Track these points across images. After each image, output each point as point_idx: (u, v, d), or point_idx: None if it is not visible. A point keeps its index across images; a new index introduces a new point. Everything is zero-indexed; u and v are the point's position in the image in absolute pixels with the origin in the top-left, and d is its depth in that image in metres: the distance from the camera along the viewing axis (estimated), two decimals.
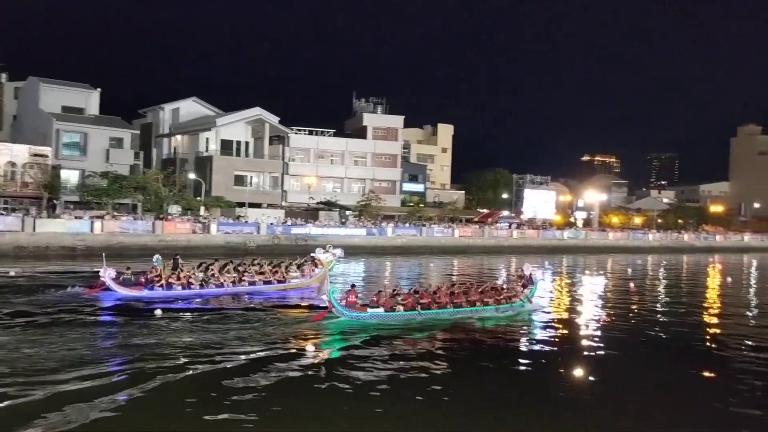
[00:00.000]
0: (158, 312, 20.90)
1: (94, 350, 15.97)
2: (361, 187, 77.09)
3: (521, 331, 20.91)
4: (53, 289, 25.02)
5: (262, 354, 16.23)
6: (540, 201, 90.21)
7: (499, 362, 16.77)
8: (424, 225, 65.98)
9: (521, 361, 17.13)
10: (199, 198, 60.06)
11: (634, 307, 27.64)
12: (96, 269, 26.15)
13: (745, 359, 17.92)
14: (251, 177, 69.74)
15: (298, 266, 29.83)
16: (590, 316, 24.84)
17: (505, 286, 24.75)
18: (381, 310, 20.73)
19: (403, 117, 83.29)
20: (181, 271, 26.17)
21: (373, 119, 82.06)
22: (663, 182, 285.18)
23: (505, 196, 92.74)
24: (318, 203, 69.86)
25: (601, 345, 19.54)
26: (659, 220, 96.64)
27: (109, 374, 13.89)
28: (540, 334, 20.65)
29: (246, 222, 56.22)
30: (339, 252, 27.99)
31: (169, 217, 53.31)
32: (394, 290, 22.67)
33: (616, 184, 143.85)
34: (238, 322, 20.14)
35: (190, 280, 25.44)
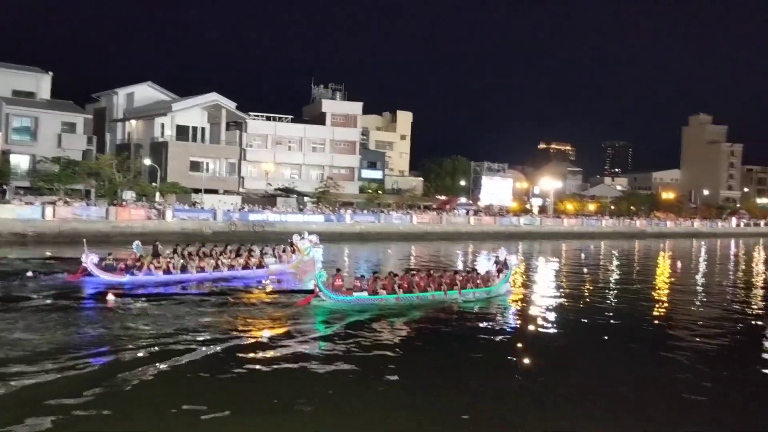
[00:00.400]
0: (110, 297, 20.57)
1: (76, 336, 15.88)
2: (319, 174, 76.89)
3: (486, 316, 21.13)
4: (35, 275, 24.66)
5: (247, 339, 16.31)
6: (497, 189, 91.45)
7: (460, 346, 17.03)
8: (382, 212, 66.19)
9: (478, 345, 17.44)
10: (154, 184, 59.16)
11: (586, 292, 28.29)
12: (77, 256, 26.04)
13: (696, 342, 18.55)
14: (207, 163, 68.94)
15: (276, 252, 30.04)
16: (545, 302, 25.33)
17: (481, 272, 25.17)
18: (365, 293, 21.12)
19: (362, 104, 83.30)
20: (161, 257, 26.18)
21: (332, 105, 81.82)
22: (617, 170, 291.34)
23: (462, 183, 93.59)
24: (276, 190, 69.48)
25: (559, 330, 20.01)
26: (612, 207, 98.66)
27: (89, 361, 13.75)
28: (505, 318, 21.03)
29: (202, 208, 55.63)
30: (314, 238, 29.63)
31: (124, 203, 52.46)
32: (374, 274, 23.06)
33: (571, 172, 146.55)
34: (222, 306, 20.31)
35: (170, 265, 25.50)
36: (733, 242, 79.92)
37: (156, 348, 14.96)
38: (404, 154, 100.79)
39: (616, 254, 53.77)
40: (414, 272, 23.79)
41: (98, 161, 57.34)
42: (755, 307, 26.27)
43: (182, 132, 68.13)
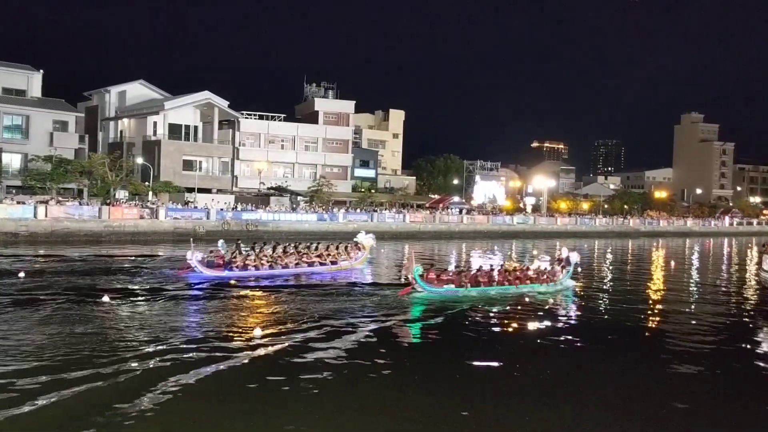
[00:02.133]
0: (105, 298, 20.68)
1: (189, 322, 18.37)
2: (312, 173, 76.81)
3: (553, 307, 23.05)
4: (147, 270, 28.82)
5: (353, 324, 18.50)
6: (490, 190, 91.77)
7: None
8: (375, 211, 66.14)
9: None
10: (146, 183, 58.95)
11: (581, 291, 28.28)
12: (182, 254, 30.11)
13: (690, 343, 18.58)
14: (200, 162, 68.76)
15: (345, 249, 32.92)
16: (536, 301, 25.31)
17: (548, 268, 27.94)
18: (452, 285, 24.08)
19: (355, 102, 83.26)
20: (244, 254, 28.79)
21: (324, 104, 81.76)
22: (609, 168, 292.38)
23: (455, 182, 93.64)
24: (269, 188, 69.34)
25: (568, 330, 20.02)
26: (606, 206, 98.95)
27: (200, 343, 15.55)
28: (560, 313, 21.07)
29: (195, 207, 55.49)
30: (372, 237, 34.15)
31: (116, 202, 52.26)
32: (457, 268, 26.40)
33: (564, 170, 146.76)
34: (321, 296, 23.16)
35: (262, 261, 28.46)
36: (726, 241, 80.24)
37: (275, 330, 17.28)
38: (397, 152, 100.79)
39: (610, 253, 53.89)
40: (492, 267, 26.53)
41: (90, 160, 57.04)
42: (747, 307, 26.33)
43: (175, 130, 67.88)
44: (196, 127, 70.16)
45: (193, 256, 26.79)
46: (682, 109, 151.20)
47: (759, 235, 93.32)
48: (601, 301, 25.46)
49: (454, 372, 14.30)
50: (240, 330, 17.26)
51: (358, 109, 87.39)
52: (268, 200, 64.62)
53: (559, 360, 16.04)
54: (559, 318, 21.31)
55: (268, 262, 28.68)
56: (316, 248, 31.75)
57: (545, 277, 26.51)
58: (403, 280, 26.18)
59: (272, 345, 15.73)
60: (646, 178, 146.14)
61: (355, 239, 34.03)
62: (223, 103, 70.49)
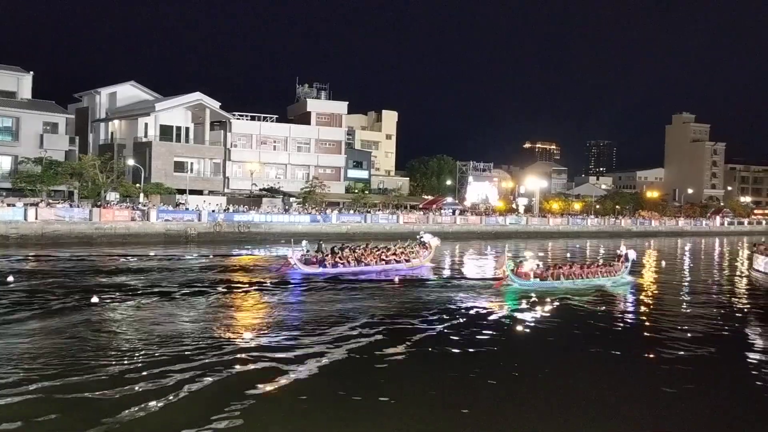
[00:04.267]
0: (95, 299, 20.95)
1: (299, 313, 20.87)
2: (305, 174, 76.56)
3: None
4: (259, 268, 32.53)
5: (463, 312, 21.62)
6: (483, 191, 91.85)
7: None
8: (368, 212, 66.00)
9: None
10: (138, 185, 58.64)
11: (574, 292, 28.25)
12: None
13: (681, 343, 18.56)
14: (192, 163, 68.46)
15: (416, 248, 35.81)
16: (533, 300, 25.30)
17: (612, 264, 31.33)
18: (538, 279, 27.23)
19: (347, 103, 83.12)
20: (324, 253, 31.71)
21: (317, 105, 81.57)
22: (601, 169, 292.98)
23: (449, 182, 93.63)
24: (261, 190, 69.06)
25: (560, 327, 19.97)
26: (597, 206, 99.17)
27: (316, 333, 17.42)
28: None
29: (187, 209, 55.22)
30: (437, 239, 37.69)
31: (107, 204, 51.94)
32: (545, 265, 29.66)
33: (556, 171, 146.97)
34: (422, 289, 26.56)
35: (349, 259, 31.55)
36: (717, 241, 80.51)
37: (376, 321, 19.51)
38: (390, 153, 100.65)
39: (602, 253, 53.91)
40: (570, 263, 30.52)
41: (81, 162, 56.74)
42: (739, 306, 26.36)
43: (166, 132, 67.56)
44: (187, 129, 69.84)
45: (294, 254, 30.46)
46: (674, 110, 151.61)
47: (750, 234, 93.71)
48: (593, 300, 25.42)
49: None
50: (359, 316, 20.03)
51: (351, 110, 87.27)
52: (261, 201, 64.37)
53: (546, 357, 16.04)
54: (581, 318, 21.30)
55: (355, 260, 31.77)
56: (388, 248, 34.51)
57: (610, 271, 30.16)
58: (496, 274, 29.27)
59: (398, 326, 18.81)
60: (638, 178, 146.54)
61: (421, 239, 36.94)
62: (215, 104, 70.22)
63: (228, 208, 58.28)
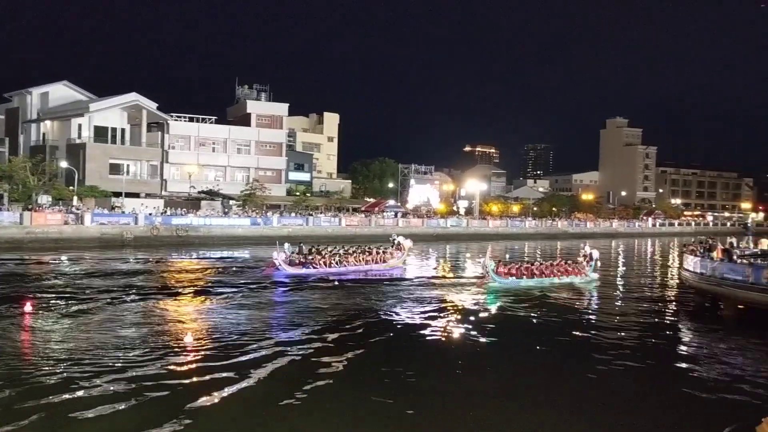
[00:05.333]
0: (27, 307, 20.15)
1: (281, 312, 21.97)
2: (245, 176, 75.59)
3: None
4: (241, 269, 33.99)
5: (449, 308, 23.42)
6: (425, 193, 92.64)
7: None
8: (310, 214, 65.67)
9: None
10: (71, 187, 56.95)
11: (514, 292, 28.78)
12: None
13: (614, 340, 19.09)
14: (128, 165, 66.85)
15: (385, 250, 37.22)
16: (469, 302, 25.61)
17: (578, 262, 32.89)
18: (515, 278, 29.32)
19: (288, 105, 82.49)
20: (305, 254, 33.15)
21: (257, 106, 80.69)
22: (539, 172, 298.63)
23: (391, 185, 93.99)
24: (199, 192, 67.86)
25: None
26: (535, 208, 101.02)
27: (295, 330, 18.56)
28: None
29: (123, 212, 53.88)
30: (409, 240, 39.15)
31: (39, 208, 50.22)
32: (520, 264, 31.32)
33: (496, 174, 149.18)
34: (405, 288, 28.28)
35: (332, 261, 33.01)
36: (650, 242, 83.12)
37: (368, 319, 20.77)
38: (332, 156, 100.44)
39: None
40: (541, 263, 32.05)
41: (11, 164, 54.93)
42: (670, 305, 27.31)
43: (101, 133, 65.84)
44: (123, 130, 68.24)
45: (279, 256, 31.43)
46: (608, 114, 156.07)
47: (680, 235, 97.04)
48: (529, 301, 25.92)
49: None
50: (351, 315, 21.07)
51: (292, 112, 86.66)
52: (199, 204, 63.30)
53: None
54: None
55: (337, 261, 33.30)
56: (363, 250, 35.85)
57: (577, 270, 31.91)
58: (482, 273, 30.91)
59: (396, 322, 20.53)
60: (574, 181, 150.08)
61: (396, 241, 38.51)
62: (152, 105, 68.74)
63: (166, 211, 57.13)
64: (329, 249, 34.72)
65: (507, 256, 42.68)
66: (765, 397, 13.38)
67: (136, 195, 62.60)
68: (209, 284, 27.74)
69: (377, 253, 35.99)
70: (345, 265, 33.50)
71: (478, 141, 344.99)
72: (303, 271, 31.60)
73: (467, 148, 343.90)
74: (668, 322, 22.80)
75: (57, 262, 35.76)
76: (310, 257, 32.80)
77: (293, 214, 64.76)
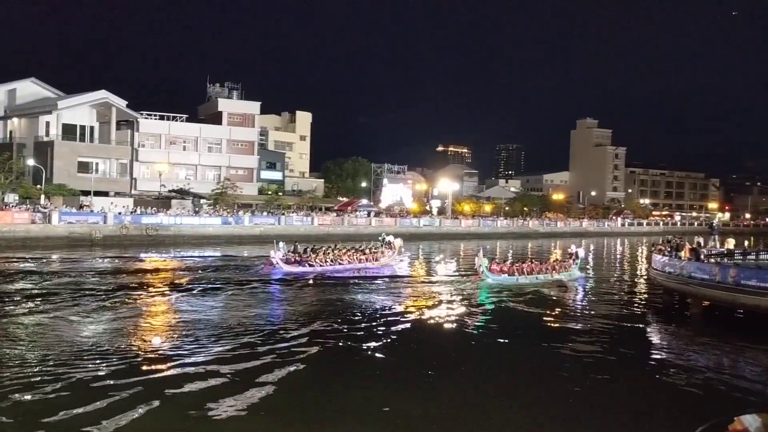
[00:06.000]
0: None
1: (277, 309, 22.91)
2: (216, 175, 75.03)
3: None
4: (241, 267, 35.08)
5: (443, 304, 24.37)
6: (398, 193, 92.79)
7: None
8: (282, 214, 65.36)
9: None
10: (38, 186, 55.96)
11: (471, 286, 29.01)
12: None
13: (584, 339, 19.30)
14: (97, 164, 65.89)
15: (377, 249, 38.32)
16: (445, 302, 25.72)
17: (564, 261, 34.43)
18: (506, 275, 30.47)
19: (260, 103, 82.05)
20: (300, 253, 34.11)
21: (229, 105, 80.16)
22: (510, 172, 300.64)
23: (364, 184, 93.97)
24: (170, 191, 67.18)
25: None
26: (507, 208, 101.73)
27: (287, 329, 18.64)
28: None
29: (92, 211, 53.10)
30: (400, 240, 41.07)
31: (5, 206, 49.31)
32: (511, 262, 32.46)
33: (468, 174, 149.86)
34: (400, 286, 29.41)
35: (327, 259, 34.02)
36: (619, 241, 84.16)
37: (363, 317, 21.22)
38: (304, 155, 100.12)
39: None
40: (531, 260, 33.37)
41: None
42: (640, 303, 27.72)
43: (69, 131, 64.82)
44: (92, 128, 67.24)
45: (276, 255, 32.60)
46: (578, 115, 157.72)
47: (649, 235, 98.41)
48: (500, 300, 26.13)
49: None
50: (348, 314, 21.44)
51: (264, 111, 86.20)
52: (170, 204, 62.64)
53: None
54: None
55: (332, 260, 34.22)
56: (356, 249, 37.05)
57: (564, 267, 33.31)
58: (477, 270, 31.44)
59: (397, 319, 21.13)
60: (545, 181, 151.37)
61: (387, 240, 39.78)
62: (122, 103, 67.85)
63: (135, 210, 56.46)
64: (323, 248, 35.68)
65: (509, 254, 43.76)
66: (733, 396, 13.65)
67: (106, 194, 61.76)
68: (213, 281, 28.69)
69: (370, 252, 37.14)
70: (339, 264, 34.48)
71: (450, 141, 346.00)
72: (299, 269, 32.49)
73: (440, 148, 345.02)
74: (638, 320, 23.10)
75: (24, 261, 35.10)
76: (306, 256, 33.74)
77: (265, 213, 64.39)
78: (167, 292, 24.82)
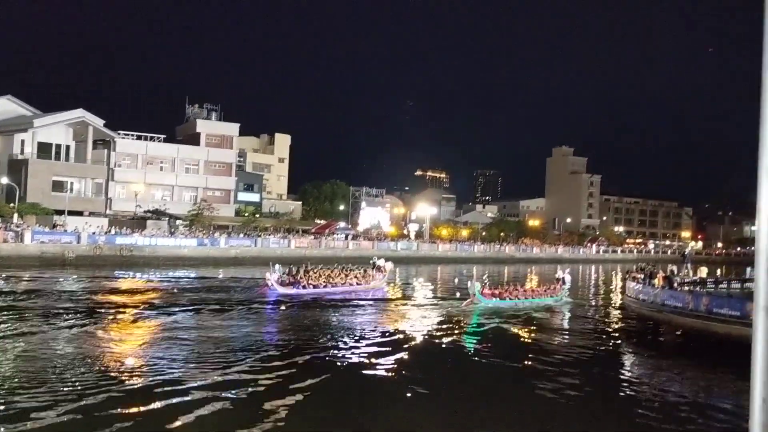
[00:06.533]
0: None
1: (271, 329, 23.97)
2: (193, 196, 74.51)
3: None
4: (238, 289, 36.11)
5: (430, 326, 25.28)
6: (375, 216, 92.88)
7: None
8: (259, 236, 65.03)
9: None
10: (12, 204, 55.17)
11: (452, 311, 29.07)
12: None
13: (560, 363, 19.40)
14: (72, 183, 65.16)
15: (367, 272, 39.51)
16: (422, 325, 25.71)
17: (552, 286, 35.82)
18: (498, 299, 31.58)
19: (239, 125, 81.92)
20: (294, 275, 35.35)
21: (207, 126, 79.87)
22: (487, 198, 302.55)
23: (342, 207, 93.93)
24: (146, 212, 66.52)
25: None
26: (484, 233, 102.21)
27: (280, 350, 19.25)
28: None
29: (65, 231, 52.42)
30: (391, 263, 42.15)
31: None
32: (502, 287, 34.05)
33: (446, 199, 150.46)
34: (395, 307, 31.01)
35: (319, 281, 35.16)
36: (593, 268, 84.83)
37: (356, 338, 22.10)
38: (282, 177, 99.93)
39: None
40: (521, 284, 35.96)
41: None
42: (614, 329, 27.93)
43: (44, 149, 64.11)
44: (68, 147, 66.56)
45: (272, 277, 33.71)
46: (554, 143, 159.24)
47: (623, 262, 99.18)
48: (480, 323, 26.19)
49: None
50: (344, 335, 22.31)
51: (243, 132, 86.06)
52: (145, 224, 62.05)
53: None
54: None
55: (324, 281, 35.39)
56: (347, 271, 38.09)
57: (552, 292, 34.60)
58: (470, 294, 32.43)
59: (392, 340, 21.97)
60: (521, 207, 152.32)
61: (378, 263, 40.93)
62: (99, 122, 67.34)
63: (110, 230, 55.84)
64: (315, 269, 37.04)
65: (501, 278, 44.11)
66: (704, 423, 13.77)
67: (80, 213, 61.02)
68: (216, 302, 29.52)
69: (362, 275, 38.31)
70: (332, 286, 35.63)
71: (429, 166, 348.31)
72: (293, 290, 33.60)
73: (418, 173, 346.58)
74: (612, 347, 23.30)
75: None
76: (299, 277, 35.06)
77: (241, 235, 64.02)
78: (145, 314, 24.51)
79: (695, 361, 20.55)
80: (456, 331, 24.31)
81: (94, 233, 52.28)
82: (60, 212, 57.73)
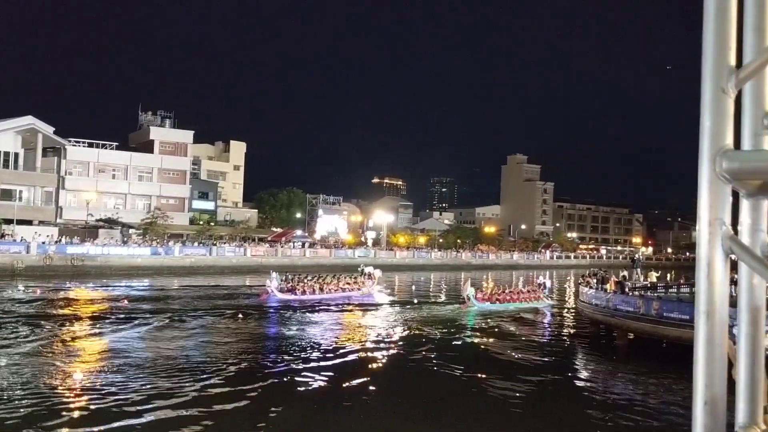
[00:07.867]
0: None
1: (269, 335, 25.09)
2: (146, 204, 73.25)
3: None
4: (242, 295, 38.02)
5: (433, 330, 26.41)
6: (333, 224, 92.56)
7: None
8: (214, 244, 64.28)
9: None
10: None
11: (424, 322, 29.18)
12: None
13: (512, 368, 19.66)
14: (21, 191, 63.44)
15: (357, 278, 42.02)
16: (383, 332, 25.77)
17: (535, 290, 38.05)
18: (489, 303, 34.14)
19: (193, 132, 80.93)
20: (291, 282, 37.64)
21: (161, 133, 78.70)
22: (444, 205, 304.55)
23: (298, 215, 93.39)
24: (97, 221, 65.13)
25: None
26: (441, 240, 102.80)
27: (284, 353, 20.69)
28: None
29: (14, 240, 51.01)
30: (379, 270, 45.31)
31: None
32: (492, 292, 36.10)
33: (403, 206, 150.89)
34: (396, 311, 33.20)
35: (314, 288, 37.28)
36: (547, 273, 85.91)
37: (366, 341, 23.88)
38: (238, 185, 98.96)
39: (444, 285, 56.00)
40: (510, 290, 37.46)
41: None
42: (567, 333, 28.41)
43: None
44: (17, 154, 64.77)
45: (272, 284, 36.08)
46: (509, 150, 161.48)
47: (576, 268, 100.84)
48: (438, 329, 26.37)
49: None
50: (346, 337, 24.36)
51: (198, 140, 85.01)
52: (97, 233, 60.77)
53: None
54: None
55: (319, 288, 37.46)
56: (339, 279, 40.46)
57: (537, 296, 37.05)
58: (463, 298, 34.92)
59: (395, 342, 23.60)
60: (477, 214, 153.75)
61: (366, 271, 43.78)
62: (48, 129, 65.73)
63: (60, 240, 54.53)
64: (310, 277, 39.56)
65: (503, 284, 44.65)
66: (653, 425, 14.13)
67: (29, 222, 59.45)
68: (219, 308, 31.27)
69: (353, 281, 41.05)
70: (327, 292, 37.81)
71: (386, 173, 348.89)
72: (291, 296, 35.74)
73: (375, 180, 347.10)
74: (565, 352, 23.69)
75: None
76: (295, 283, 37.27)
77: (196, 244, 63.19)
78: (99, 325, 24.01)
79: (646, 364, 21.04)
80: (444, 334, 25.75)
81: (44, 243, 51.05)
82: (8, 221, 56.15)
